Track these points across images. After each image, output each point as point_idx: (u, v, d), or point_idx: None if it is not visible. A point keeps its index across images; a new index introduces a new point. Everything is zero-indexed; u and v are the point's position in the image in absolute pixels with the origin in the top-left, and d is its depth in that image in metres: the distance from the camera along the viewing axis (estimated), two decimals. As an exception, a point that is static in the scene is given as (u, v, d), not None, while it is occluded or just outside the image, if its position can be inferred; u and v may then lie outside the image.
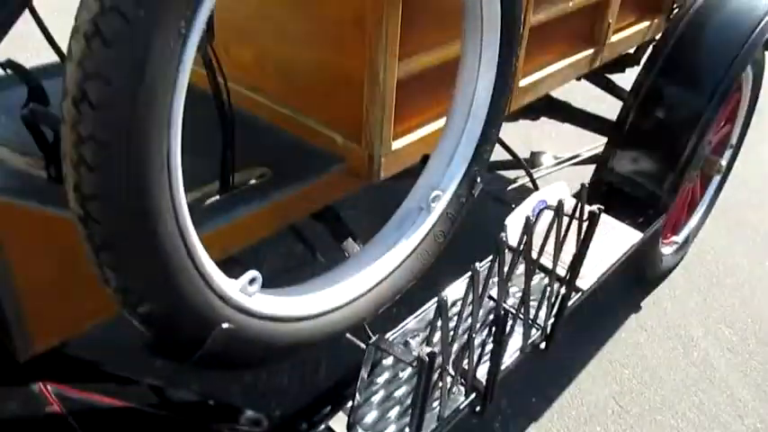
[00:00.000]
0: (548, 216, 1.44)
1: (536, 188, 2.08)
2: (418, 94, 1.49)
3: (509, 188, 2.16)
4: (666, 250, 2.52)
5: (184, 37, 0.76)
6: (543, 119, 2.61)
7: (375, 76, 1.33)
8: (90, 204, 0.78)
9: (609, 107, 2.66)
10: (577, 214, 1.42)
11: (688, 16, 2.13)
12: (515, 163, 2.20)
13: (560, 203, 1.33)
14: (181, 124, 0.82)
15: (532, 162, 2.33)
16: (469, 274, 1.18)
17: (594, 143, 2.42)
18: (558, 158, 2.36)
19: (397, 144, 1.47)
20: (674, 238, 2.58)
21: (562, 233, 1.45)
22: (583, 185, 1.38)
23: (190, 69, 0.80)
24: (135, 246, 0.81)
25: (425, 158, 1.42)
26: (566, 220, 1.45)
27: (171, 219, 0.83)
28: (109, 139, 0.74)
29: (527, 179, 2.13)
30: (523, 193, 2.14)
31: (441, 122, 1.55)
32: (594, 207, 1.42)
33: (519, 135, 3.08)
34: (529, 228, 1.28)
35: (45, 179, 1.13)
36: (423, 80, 1.47)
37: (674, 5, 2.46)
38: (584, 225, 1.48)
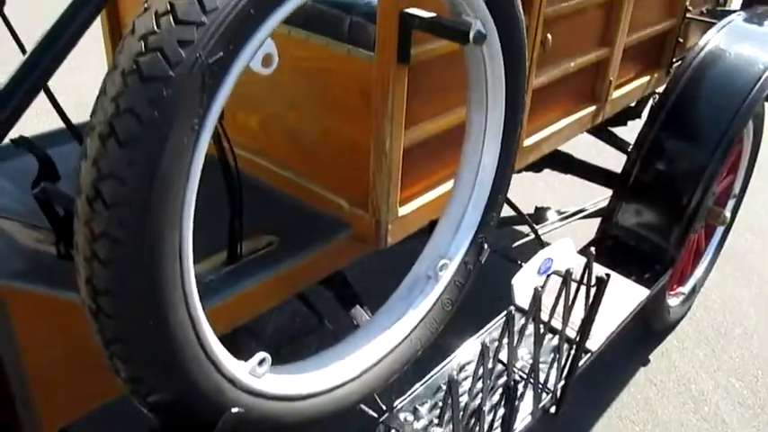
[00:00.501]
0: (555, 275, 1.44)
1: (541, 244, 2.08)
2: (424, 159, 1.50)
3: (514, 245, 2.16)
4: (673, 302, 2.51)
5: (197, 132, 0.77)
6: (547, 170, 2.63)
7: (381, 146, 1.34)
8: (102, 299, 0.77)
9: (612, 158, 2.68)
10: (585, 280, 1.42)
11: (689, 71, 2.15)
12: (520, 219, 2.21)
13: (568, 272, 1.33)
14: (193, 214, 0.83)
15: (537, 217, 2.33)
16: (478, 339, 1.17)
17: (598, 195, 2.43)
18: (563, 213, 2.36)
19: (403, 210, 1.47)
20: (681, 289, 2.57)
21: (570, 297, 1.44)
22: (589, 252, 1.38)
23: (202, 162, 0.81)
24: (147, 338, 0.81)
25: (433, 225, 1.42)
26: (574, 284, 1.44)
27: (182, 309, 0.83)
28: (122, 237, 0.74)
29: (532, 235, 2.13)
30: (529, 249, 2.14)
31: (448, 185, 1.56)
32: (602, 273, 1.42)
33: (522, 188, 3.09)
34: (538, 297, 1.27)
35: (54, 256, 1.13)
36: (428, 145, 1.48)
37: (674, 60, 2.50)
38: (593, 289, 1.47)
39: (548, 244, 1.89)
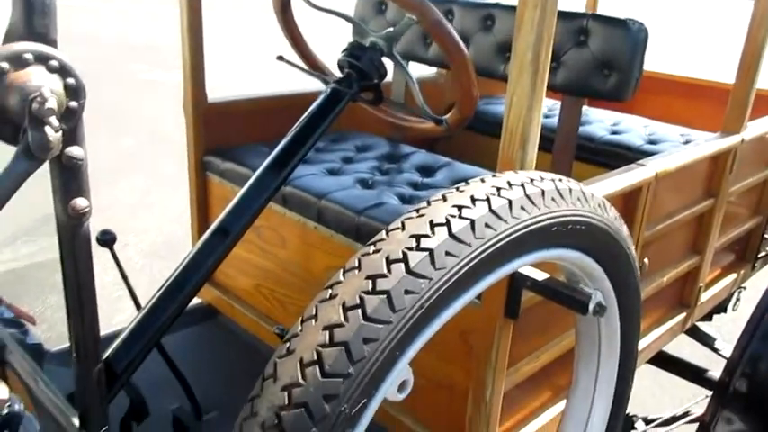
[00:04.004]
0: None
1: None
2: (522, 395, 1.44)
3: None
4: None
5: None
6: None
7: (481, 394, 1.29)
8: None
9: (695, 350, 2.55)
10: None
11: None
12: None
13: None
14: None
15: (625, 428, 2.20)
16: None
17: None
18: (652, 421, 2.22)
19: (500, 451, 1.39)
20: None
21: None
22: None
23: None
24: None
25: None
26: None
27: None
28: None
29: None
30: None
31: (546, 415, 1.49)
32: None
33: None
34: None
35: None
36: (527, 381, 1.42)
37: (758, 255, 2.43)
38: None
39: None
